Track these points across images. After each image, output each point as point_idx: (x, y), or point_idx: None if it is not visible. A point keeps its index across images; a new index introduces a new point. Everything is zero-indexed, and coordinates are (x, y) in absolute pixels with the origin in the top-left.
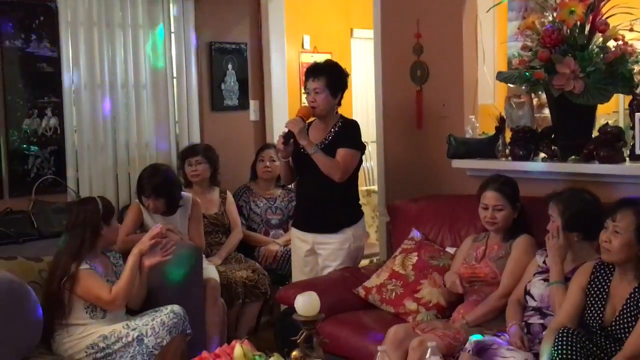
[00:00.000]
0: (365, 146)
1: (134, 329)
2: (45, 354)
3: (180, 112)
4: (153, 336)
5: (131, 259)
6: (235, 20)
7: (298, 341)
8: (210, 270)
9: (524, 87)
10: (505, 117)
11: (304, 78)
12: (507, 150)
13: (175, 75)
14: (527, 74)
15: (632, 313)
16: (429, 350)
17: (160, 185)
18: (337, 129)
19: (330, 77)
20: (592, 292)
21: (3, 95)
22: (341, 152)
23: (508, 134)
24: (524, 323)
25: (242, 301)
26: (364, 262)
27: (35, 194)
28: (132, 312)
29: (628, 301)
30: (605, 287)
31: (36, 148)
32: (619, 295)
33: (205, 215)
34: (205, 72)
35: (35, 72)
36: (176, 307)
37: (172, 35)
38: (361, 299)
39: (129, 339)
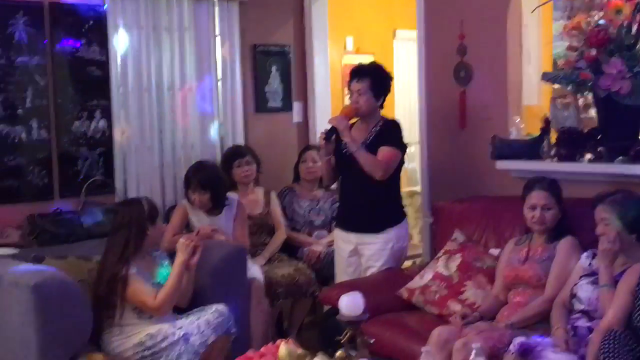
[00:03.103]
0: (406, 146)
1: (180, 328)
2: (95, 352)
3: (224, 113)
4: (198, 335)
5: (176, 268)
6: (279, 22)
7: (342, 341)
8: (255, 270)
9: (569, 88)
10: (550, 118)
11: (347, 79)
12: (553, 152)
13: (220, 77)
14: (569, 76)
15: None
16: (473, 352)
17: (206, 179)
18: (378, 128)
19: (374, 79)
20: None
21: (54, 99)
22: (383, 151)
23: (553, 135)
24: (570, 326)
25: (290, 300)
26: (407, 264)
27: (84, 195)
28: (179, 310)
29: None
30: None
31: (85, 150)
32: None
33: (249, 215)
34: (250, 74)
35: (85, 75)
36: (221, 307)
37: (217, 38)
38: (404, 300)
39: (175, 337)
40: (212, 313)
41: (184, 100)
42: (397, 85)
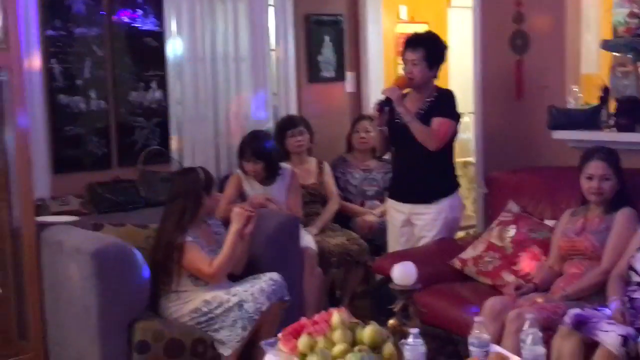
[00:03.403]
0: (460, 116)
1: (234, 295)
2: (152, 317)
3: (278, 83)
4: (253, 302)
5: (230, 237)
6: None
7: (395, 310)
8: (308, 239)
9: (630, 56)
10: (609, 87)
11: (401, 49)
12: (611, 121)
13: (273, 47)
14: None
15: None
16: (527, 323)
17: (260, 148)
18: (432, 99)
19: (428, 49)
20: None
21: (111, 69)
22: (436, 121)
23: (612, 105)
24: (627, 298)
25: (343, 270)
26: (460, 234)
27: (141, 164)
28: (234, 278)
29: None
30: None
31: (142, 120)
32: None
33: (303, 185)
34: (303, 44)
35: (141, 46)
36: (275, 275)
37: (270, 7)
38: (457, 270)
39: (230, 304)
40: (266, 281)
41: (237, 70)
42: (451, 54)
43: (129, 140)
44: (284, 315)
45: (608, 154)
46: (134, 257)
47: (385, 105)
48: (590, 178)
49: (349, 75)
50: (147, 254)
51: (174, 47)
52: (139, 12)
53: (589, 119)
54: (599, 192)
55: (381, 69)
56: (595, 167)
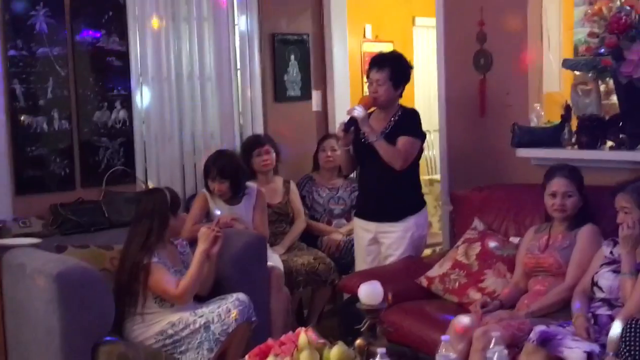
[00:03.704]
0: (425, 135)
1: (201, 316)
2: (117, 340)
3: (244, 102)
4: (219, 323)
5: (197, 257)
6: (297, 11)
7: (362, 329)
8: (275, 259)
9: (590, 75)
10: (571, 105)
11: (366, 67)
12: (574, 139)
13: (239, 66)
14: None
15: None
16: (493, 340)
17: (225, 167)
18: (397, 118)
19: (393, 68)
20: None
21: (75, 89)
22: (402, 140)
23: (574, 122)
24: (590, 314)
25: (310, 289)
26: (427, 252)
27: (105, 185)
28: (200, 299)
29: None
30: None
31: (106, 140)
32: None
33: (269, 204)
34: (268, 63)
35: (105, 65)
36: (242, 295)
37: (236, 27)
38: (424, 288)
39: (196, 325)
40: (233, 302)
41: (203, 89)
42: (416, 72)
43: (92, 160)
44: (251, 336)
45: (570, 171)
46: (98, 280)
47: (351, 125)
48: (553, 195)
49: (315, 94)
50: (111, 275)
51: (138, 67)
52: (103, 31)
53: (551, 136)
54: (561, 208)
55: (347, 88)
56: (558, 184)
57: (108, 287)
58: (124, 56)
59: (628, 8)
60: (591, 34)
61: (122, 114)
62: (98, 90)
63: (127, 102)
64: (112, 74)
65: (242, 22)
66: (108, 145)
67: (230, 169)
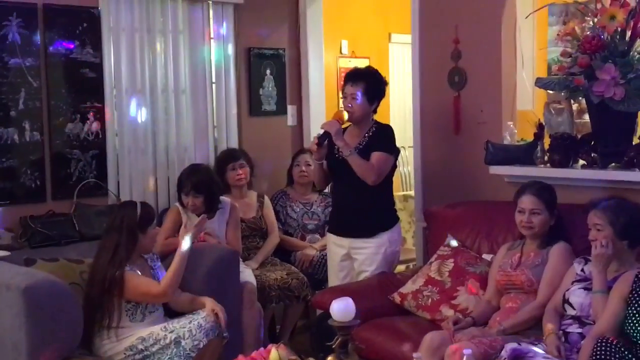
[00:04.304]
0: (399, 151)
1: (171, 332)
2: (85, 355)
3: (218, 116)
4: (190, 339)
5: (179, 255)
6: (273, 25)
7: (333, 346)
8: (247, 274)
9: (563, 94)
10: (544, 123)
11: (342, 82)
12: (546, 157)
13: (214, 80)
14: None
15: None
16: (464, 358)
17: (200, 182)
18: (371, 133)
19: (368, 83)
20: (634, 301)
21: (47, 100)
22: (375, 156)
23: (547, 141)
24: (561, 332)
25: (283, 305)
26: (401, 268)
27: (77, 197)
28: (171, 315)
29: None
30: None
31: (78, 152)
32: None
33: (243, 219)
34: (244, 77)
35: (78, 77)
36: None
37: (212, 40)
38: (397, 304)
39: (167, 341)
40: (205, 317)
41: (177, 103)
42: (392, 88)
43: (64, 172)
44: (222, 352)
45: (540, 189)
46: (67, 294)
47: (325, 139)
48: (521, 212)
49: (290, 109)
50: (81, 290)
51: (112, 79)
52: (77, 42)
53: (524, 154)
54: (528, 225)
55: (322, 103)
56: (525, 201)
57: (77, 302)
58: (98, 68)
59: (600, 28)
60: (564, 53)
61: (94, 126)
62: (71, 101)
63: (100, 114)
64: (85, 85)
65: (218, 36)
66: (80, 158)
67: (205, 184)
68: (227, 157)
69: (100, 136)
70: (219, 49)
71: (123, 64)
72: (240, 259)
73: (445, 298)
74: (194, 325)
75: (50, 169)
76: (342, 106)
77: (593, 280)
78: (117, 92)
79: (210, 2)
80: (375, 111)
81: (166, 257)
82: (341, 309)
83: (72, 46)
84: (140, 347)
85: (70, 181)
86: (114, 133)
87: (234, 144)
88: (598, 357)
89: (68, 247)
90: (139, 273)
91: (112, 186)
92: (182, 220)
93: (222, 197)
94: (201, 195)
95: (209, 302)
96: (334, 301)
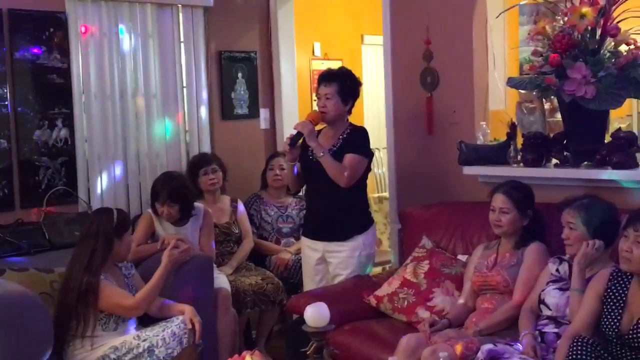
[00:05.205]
0: (373, 153)
1: (144, 340)
2: None
3: (190, 121)
4: (164, 347)
5: (162, 269)
6: (244, 28)
7: (308, 352)
8: (221, 279)
9: (535, 93)
10: (516, 123)
11: (315, 85)
12: (519, 157)
13: (185, 84)
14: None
15: None
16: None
17: (175, 190)
18: (345, 135)
19: (342, 83)
20: (609, 299)
21: (14, 107)
22: (348, 157)
23: (520, 140)
24: (537, 332)
25: (258, 310)
26: (377, 270)
27: (46, 205)
28: (144, 322)
29: None
30: (623, 295)
31: (47, 159)
32: (637, 304)
33: (216, 224)
34: (215, 80)
35: (46, 83)
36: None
37: (182, 44)
38: (373, 307)
39: (140, 350)
40: (178, 325)
41: (148, 107)
42: (366, 90)
43: (32, 180)
44: (197, 359)
45: (512, 188)
46: (37, 304)
47: (297, 140)
48: (493, 210)
49: (263, 112)
50: (52, 299)
51: (81, 84)
52: (43, 48)
53: (497, 154)
54: (496, 224)
55: (295, 106)
56: (496, 200)
57: (47, 312)
58: (66, 73)
59: (570, 27)
60: (535, 53)
61: (63, 132)
62: (38, 108)
63: (69, 120)
64: (53, 91)
65: (188, 39)
66: (49, 165)
67: (180, 193)
68: (200, 162)
69: (70, 143)
70: (189, 52)
71: (92, 69)
72: (215, 265)
73: (421, 300)
74: (167, 334)
75: (19, 177)
76: (317, 107)
77: (572, 278)
78: (86, 98)
79: (180, 5)
80: (349, 112)
81: (138, 264)
82: (315, 314)
83: (38, 52)
84: (112, 356)
85: (39, 189)
86: (83, 139)
87: (206, 148)
88: (574, 356)
89: (37, 257)
90: (114, 283)
91: (82, 193)
92: (154, 227)
93: (196, 204)
94: (176, 204)
95: (188, 311)
96: (307, 306)
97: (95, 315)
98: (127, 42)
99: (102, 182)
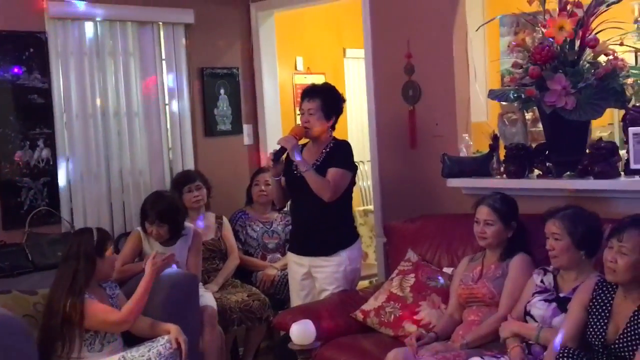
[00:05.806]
0: (357, 166)
1: None
2: None
3: (173, 138)
4: None
5: (146, 279)
6: (226, 44)
7: None
8: (207, 297)
9: (516, 104)
10: (498, 134)
11: (298, 99)
12: (502, 168)
13: (167, 101)
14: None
15: (636, 332)
16: None
17: (164, 211)
18: (328, 149)
19: (325, 99)
20: (595, 310)
21: None
22: (331, 172)
23: (502, 152)
24: (524, 344)
25: (245, 327)
26: (364, 283)
27: (29, 226)
28: (129, 343)
29: (632, 319)
30: (608, 305)
31: (29, 180)
32: (622, 314)
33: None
34: (198, 97)
35: (27, 103)
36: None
37: (163, 61)
38: (360, 322)
39: None
40: (164, 344)
41: (130, 125)
42: (349, 103)
43: (14, 201)
44: None
45: (496, 200)
46: (20, 327)
47: (280, 155)
48: (477, 222)
49: (247, 128)
50: (35, 322)
51: (62, 103)
52: (24, 68)
53: (480, 166)
54: (481, 236)
55: (279, 121)
56: (480, 212)
57: (30, 335)
58: (47, 93)
59: (550, 39)
60: (515, 65)
61: (45, 152)
62: (19, 128)
63: (51, 140)
64: (34, 111)
65: (170, 56)
66: (31, 186)
67: (170, 213)
68: (183, 179)
69: (51, 163)
70: (171, 70)
71: (73, 88)
72: (200, 283)
73: (408, 313)
74: (153, 354)
75: (0, 198)
76: (300, 122)
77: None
78: (68, 117)
79: (161, 23)
80: (333, 127)
81: (124, 283)
82: (300, 332)
83: (19, 72)
84: None
85: (21, 210)
86: (65, 159)
87: (190, 165)
88: None
89: (21, 278)
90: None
91: (65, 214)
92: (142, 246)
93: (186, 224)
94: (165, 225)
95: (174, 331)
96: (293, 324)
97: (80, 336)
98: (108, 60)
99: (84, 202)
